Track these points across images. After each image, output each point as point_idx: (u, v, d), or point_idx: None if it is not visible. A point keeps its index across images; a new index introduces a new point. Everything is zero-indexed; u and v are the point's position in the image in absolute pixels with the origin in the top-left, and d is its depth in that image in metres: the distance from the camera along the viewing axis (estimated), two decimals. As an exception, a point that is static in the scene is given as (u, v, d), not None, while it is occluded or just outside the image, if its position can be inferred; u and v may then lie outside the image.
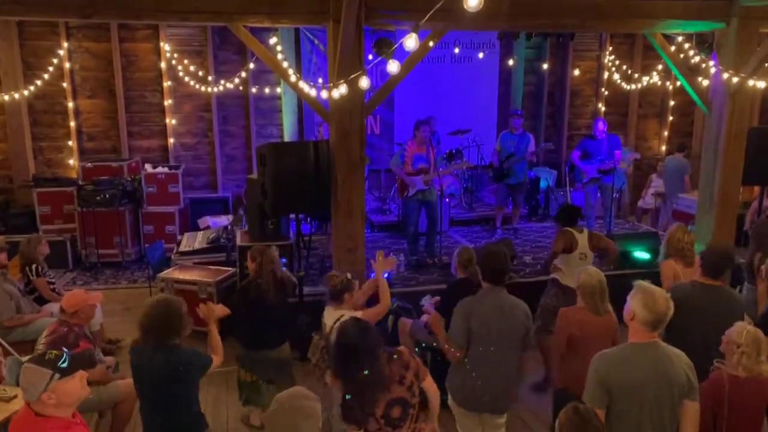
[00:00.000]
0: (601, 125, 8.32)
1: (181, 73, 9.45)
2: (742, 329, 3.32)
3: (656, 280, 3.75)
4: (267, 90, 9.82)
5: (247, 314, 4.59)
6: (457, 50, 10.24)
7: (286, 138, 9.92)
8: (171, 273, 6.76)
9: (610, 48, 10.98)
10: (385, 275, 4.66)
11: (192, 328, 3.60)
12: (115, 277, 8.33)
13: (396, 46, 4.21)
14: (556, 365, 4.23)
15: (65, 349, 2.94)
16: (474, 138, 9.93)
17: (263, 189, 5.82)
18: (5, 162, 9.25)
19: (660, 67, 10.73)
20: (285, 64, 6.98)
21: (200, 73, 9.52)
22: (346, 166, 5.71)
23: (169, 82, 9.53)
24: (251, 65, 9.48)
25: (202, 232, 8.09)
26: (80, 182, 8.67)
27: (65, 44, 9.09)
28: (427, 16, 3.31)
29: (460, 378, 3.85)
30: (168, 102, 9.58)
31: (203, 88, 9.54)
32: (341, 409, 3.06)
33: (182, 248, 7.49)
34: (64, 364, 2.68)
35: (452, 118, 9.99)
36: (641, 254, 7.21)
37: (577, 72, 11.07)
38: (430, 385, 3.23)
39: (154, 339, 3.43)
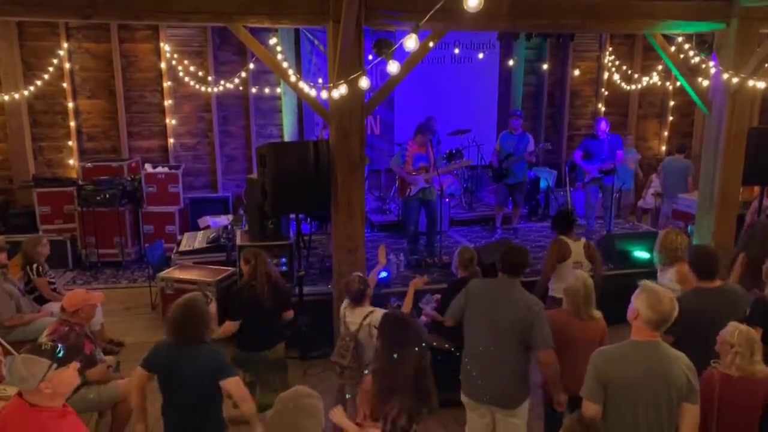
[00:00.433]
0: (603, 125, 8.33)
1: (181, 74, 9.46)
2: (735, 329, 3.34)
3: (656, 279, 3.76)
4: (267, 90, 9.83)
5: (242, 316, 4.60)
6: (457, 51, 10.24)
7: (286, 138, 9.93)
8: (171, 272, 6.77)
9: (610, 48, 10.98)
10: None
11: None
12: (115, 276, 8.34)
13: (396, 46, 4.21)
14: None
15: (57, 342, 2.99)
16: (474, 138, 9.94)
17: (263, 189, 5.82)
18: (5, 162, 9.26)
19: (660, 67, 10.74)
20: (285, 65, 6.99)
21: (200, 74, 9.52)
22: (346, 166, 5.71)
23: (169, 83, 9.53)
24: (251, 65, 9.48)
25: (202, 231, 8.10)
26: (80, 182, 8.67)
27: (65, 45, 9.09)
28: (427, 16, 3.31)
29: (463, 368, 3.87)
30: (168, 102, 9.58)
31: (203, 89, 9.54)
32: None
33: (182, 248, 7.50)
34: (60, 354, 2.76)
35: (452, 119, 9.99)
36: (641, 254, 7.21)
37: (577, 72, 11.07)
38: None
39: (181, 339, 3.45)
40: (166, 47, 9.38)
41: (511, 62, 10.61)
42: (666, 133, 11.61)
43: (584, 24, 6.46)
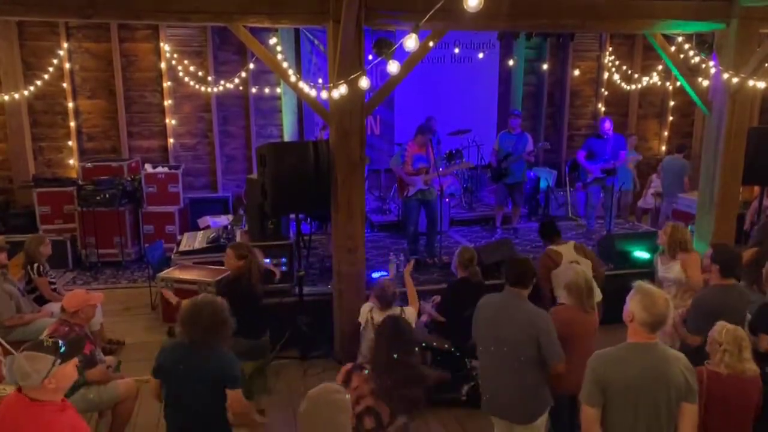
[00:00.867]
0: (607, 125, 8.33)
1: (181, 74, 9.46)
2: (722, 328, 3.39)
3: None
4: (267, 90, 9.83)
5: (242, 307, 4.63)
6: (457, 50, 10.24)
7: (286, 138, 9.93)
8: (171, 273, 6.77)
9: (610, 48, 10.98)
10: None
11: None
12: (115, 276, 8.33)
13: (396, 46, 4.21)
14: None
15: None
16: (474, 138, 9.94)
17: (263, 189, 5.82)
18: (5, 162, 9.25)
19: (660, 67, 10.74)
20: (285, 65, 6.99)
21: (200, 74, 9.52)
22: (346, 166, 5.71)
23: (169, 83, 9.53)
24: (251, 65, 9.49)
25: (202, 231, 8.09)
26: (80, 182, 8.67)
27: (65, 44, 9.09)
28: (427, 16, 3.31)
29: (481, 381, 3.88)
30: (168, 102, 9.58)
31: (203, 89, 9.54)
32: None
33: (182, 248, 7.49)
34: (63, 350, 2.82)
35: (452, 118, 9.99)
36: (641, 254, 7.21)
37: (577, 72, 11.07)
38: None
39: (202, 339, 3.40)
40: (166, 47, 9.38)
41: (511, 62, 10.60)
42: (666, 133, 11.61)
43: (584, 24, 6.46)
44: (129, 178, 8.78)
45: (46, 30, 9.04)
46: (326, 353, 6.05)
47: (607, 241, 7.55)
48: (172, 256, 7.33)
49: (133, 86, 9.51)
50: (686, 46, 7.70)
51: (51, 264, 6.44)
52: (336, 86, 5.13)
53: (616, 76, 11.02)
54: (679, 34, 7.50)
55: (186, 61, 9.48)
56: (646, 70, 11.02)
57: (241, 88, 9.66)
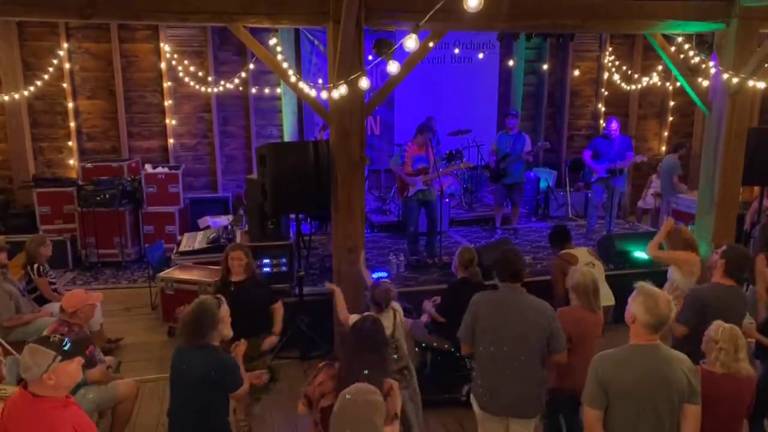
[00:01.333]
0: (614, 125, 8.32)
1: (181, 74, 9.46)
2: (719, 327, 3.38)
3: (656, 279, 3.76)
4: (267, 90, 9.83)
5: (243, 308, 4.64)
6: (457, 51, 10.24)
7: (286, 138, 9.93)
8: (171, 273, 6.77)
9: (610, 48, 10.98)
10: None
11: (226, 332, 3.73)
12: (115, 277, 8.34)
13: (396, 46, 4.21)
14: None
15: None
16: (474, 138, 9.94)
17: (263, 189, 5.82)
18: (5, 162, 9.26)
19: (660, 67, 10.74)
20: (285, 65, 6.99)
21: (200, 74, 9.52)
22: (346, 166, 5.71)
23: (169, 83, 9.53)
24: (251, 66, 9.49)
25: (202, 232, 8.10)
26: (80, 182, 8.68)
27: (65, 45, 9.09)
28: (427, 16, 3.31)
29: (476, 380, 3.82)
30: (168, 102, 9.58)
31: (203, 89, 9.54)
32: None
33: (182, 248, 7.50)
34: (66, 347, 2.84)
35: (452, 119, 9.99)
36: (641, 254, 7.21)
37: (577, 72, 11.07)
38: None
39: (188, 339, 3.54)
40: (166, 47, 9.38)
41: (511, 62, 10.61)
42: (666, 133, 11.61)
43: (584, 24, 6.46)
44: (129, 179, 8.79)
45: (46, 30, 9.05)
46: (326, 353, 6.05)
47: (607, 241, 7.54)
48: (172, 257, 7.33)
49: (133, 86, 9.51)
50: (686, 46, 7.70)
51: (51, 264, 6.44)
52: (336, 86, 5.14)
53: (616, 77, 11.02)
54: (679, 34, 7.50)
55: (186, 62, 9.48)
56: (646, 71, 11.01)
57: (241, 88, 9.66)
